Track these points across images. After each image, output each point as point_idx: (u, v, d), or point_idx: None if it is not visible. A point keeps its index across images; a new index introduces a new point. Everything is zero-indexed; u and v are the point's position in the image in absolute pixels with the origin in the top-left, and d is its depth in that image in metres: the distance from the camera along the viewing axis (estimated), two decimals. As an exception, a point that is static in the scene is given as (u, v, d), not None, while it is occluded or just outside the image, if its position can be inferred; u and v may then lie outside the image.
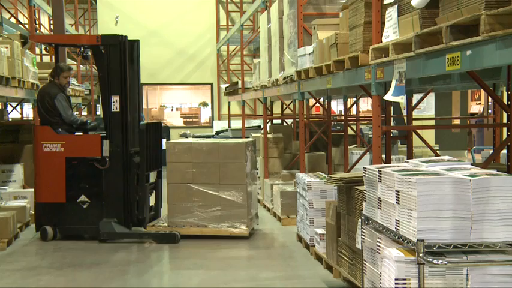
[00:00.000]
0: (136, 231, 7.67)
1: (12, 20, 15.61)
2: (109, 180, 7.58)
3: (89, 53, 7.76)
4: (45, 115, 7.77)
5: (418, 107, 9.37)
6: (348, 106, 12.07)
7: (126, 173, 7.59)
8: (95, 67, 8.32)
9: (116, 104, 7.57)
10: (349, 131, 11.38)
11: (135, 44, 7.83)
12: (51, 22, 14.67)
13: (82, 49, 7.71)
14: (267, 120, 11.89)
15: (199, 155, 7.58)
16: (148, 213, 7.80)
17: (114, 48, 7.58)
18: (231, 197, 7.51)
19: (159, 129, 8.24)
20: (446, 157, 4.11)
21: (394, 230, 3.61)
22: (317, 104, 14.97)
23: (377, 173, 3.90)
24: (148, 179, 7.96)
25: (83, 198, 7.62)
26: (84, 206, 7.61)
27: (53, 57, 8.43)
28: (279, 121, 14.46)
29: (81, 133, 7.99)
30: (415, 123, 8.54)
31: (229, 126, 15.91)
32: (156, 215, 8.06)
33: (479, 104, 20.38)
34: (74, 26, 20.07)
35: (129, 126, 7.64)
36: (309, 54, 7.01)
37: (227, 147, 7.59)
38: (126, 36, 7.70)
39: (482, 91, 13.39)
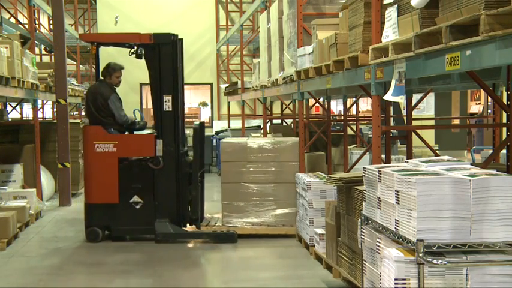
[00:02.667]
0: (193, 231, 7.55)
1: (12, 20, 15.62)
2: (162, 180, 7.52)
3: (143, 51, 7.56)
4: (97, 115, 7.65)
5: (417, 107, 9.37)
6: (348, 106, 12.06)
7: (178, 173, 7.54)
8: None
9: (168, 103, 7.49)
10: (349, 131, 11.37)
11: (179, 42, 7.72)
12: (51, 22, 14.65)
13: (136, 48, 7.57)
14: (267, 120, 11.90)
15: (253, 154, 7.59)
16: (200, 213, 7.74)
17: (166, 47, 7.50)
18: (286, 197, 7.51)
19: (203, 130, 8.19)
20: (446, 157, 4.10)
21: (394, 230, 3.61)
22: (317, 104, 14.97)
23: (377, 173, 3.90)
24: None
25: (135, 198, 7.54)
26: (137, 207, 7.52)
27: (53, 57, 8.33)
28: (279, 121, 14.46)
29: (127, 132, 7.86)
30: (414, 123, 8.54)
31: (229, 126, 15.91)
32: (201, 215, 7.98)
33: (479, 104, 20.37)
34: (73, 26, 20.05)
35: (180, 126, 7.58)
36: (309, 54, 7.00)
37: (283, 147, 7.61)
38: (177, 35, 7.62)
39: (482, 91, 13.39)
